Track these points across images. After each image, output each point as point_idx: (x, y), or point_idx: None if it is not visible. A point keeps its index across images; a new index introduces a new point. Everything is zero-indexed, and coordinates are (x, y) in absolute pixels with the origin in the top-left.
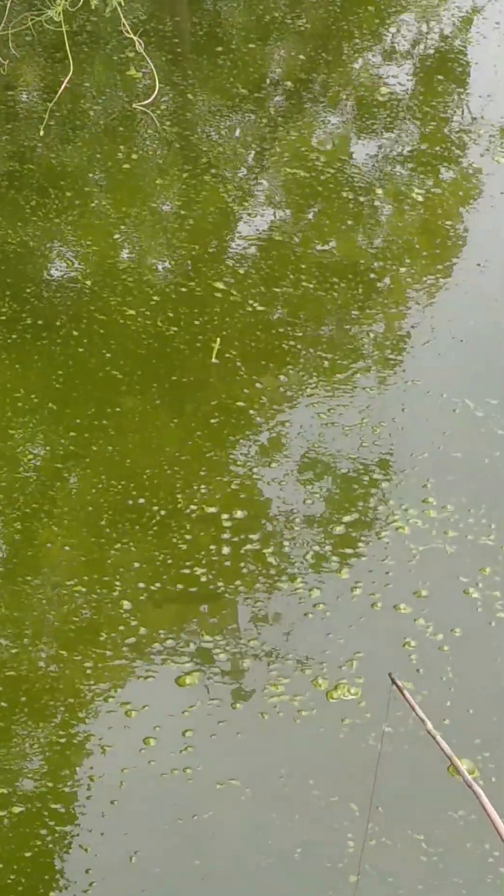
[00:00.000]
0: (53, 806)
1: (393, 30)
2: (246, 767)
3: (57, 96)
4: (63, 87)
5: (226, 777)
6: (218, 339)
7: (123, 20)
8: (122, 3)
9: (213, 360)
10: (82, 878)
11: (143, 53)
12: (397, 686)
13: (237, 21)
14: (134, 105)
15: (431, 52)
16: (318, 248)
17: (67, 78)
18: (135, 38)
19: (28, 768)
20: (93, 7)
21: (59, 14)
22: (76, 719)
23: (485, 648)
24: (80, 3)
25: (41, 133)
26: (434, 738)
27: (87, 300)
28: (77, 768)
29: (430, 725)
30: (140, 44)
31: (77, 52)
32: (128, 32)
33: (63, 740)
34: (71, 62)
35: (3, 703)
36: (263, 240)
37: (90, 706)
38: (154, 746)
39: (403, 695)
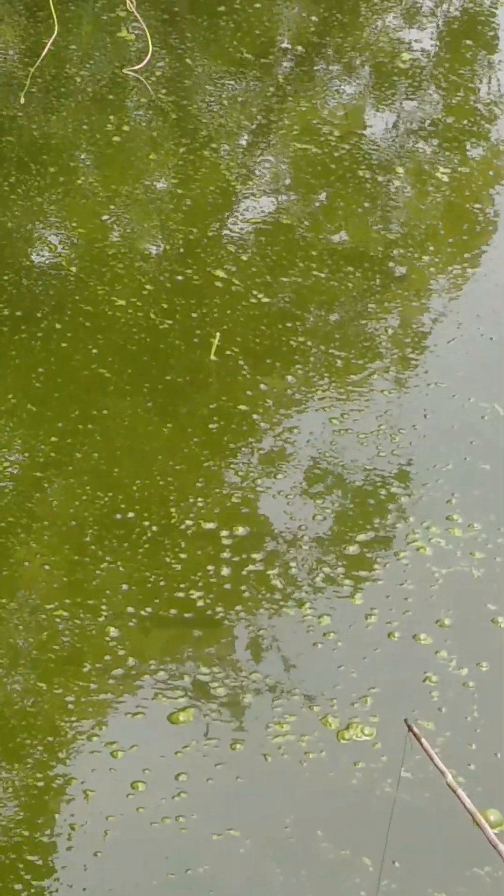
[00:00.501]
0: (29, 857)
1: None
2: (246, 816)
3: (39, 60)
4: (46, 49)
5: (223, 827)
6: (217, 335)
7: None
8: None
9: (212, 357)
10: None
11: (136, 13)
12: (413, 733)
13: None
14: (125, 70)
15: (458, 14)
16: (331, 233)
17: (51, 39)
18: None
19: (1, 815)
20: None
21: None
22: (55, 760)
23: None
24: None
25: (21, 101)
26: (454, 791)
27: (71, 289)
28: (56, 815)
29: (449, 778)
30: (132, 1)
31: (62, 10)
32: None
33: (41, 784)
34: (55, 22)
35: None
36: (269, 223)
37: (71, 745)
38: (143, 791)
39: (421, 743)
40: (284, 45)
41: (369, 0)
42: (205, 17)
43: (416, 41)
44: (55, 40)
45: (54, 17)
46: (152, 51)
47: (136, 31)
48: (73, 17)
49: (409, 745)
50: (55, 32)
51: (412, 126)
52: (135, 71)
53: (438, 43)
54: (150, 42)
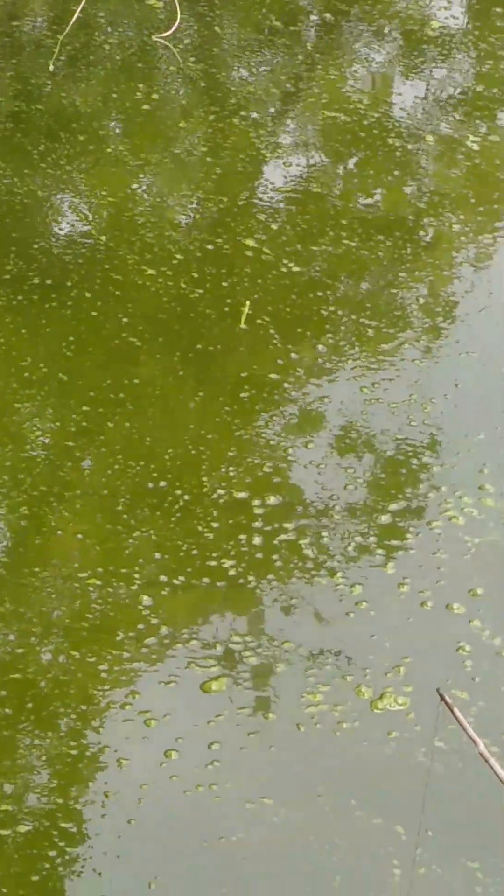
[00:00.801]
0: (63, 825)
1: None
2: (279, 785)
3: (68, 28)
4: (75, 17)
5: (256, 795)
6: (248, 303)
7: None
8: None
9: (243, 325)
10: None
11: None
12: (446, 703)
13: None
14: (154, 38)
15: None
16: (361, 201)
17: (80, 7)
18: None
19: (35, 783)
20: None
21: None
22: (89, 728)
23: None
24: None
25: (50, 69)
26: (487, 761)
27: (101, 258)
28: (90, 784)
29: (482, 748)
30: None
31: None
32: None
33: (74, 752)
34: None
35: (7, 710)
36: (299, 192)
37: (105, 714)
38: (176, 760)
39: (453, 713)
40: (313, 12)
41: None
42: None
43: (444, 8)
44: (84, 7)
45: None
46: (180, 18)
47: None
48: None
49: (442, 715)
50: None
51: (441, 94)
52: (163, 38)
53: (468, 11)
54: (178, 8)
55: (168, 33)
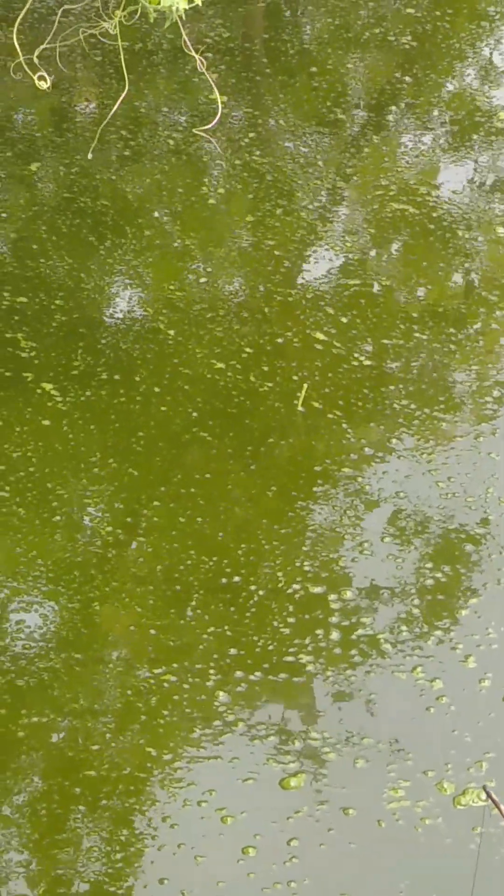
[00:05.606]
0: None
1: None
2: (360, 882)
3: (108, 116)
4: (117, 106)
5: (337, 892)
6: (305, 386)
7: (185, 37)
8: (184, 16)
9: (300, 408)
10: None
11: (207, 74)
12: (493, 800)
13: (323, 35)
14: (206, 133)
15: None
16: (431, 294)
17: (122, 97)
18: (197, 57)
19: (110, 879)
20: (151, 21)
21: (116, 27)
22: (166, 825)
23: None
24: (138, 14)
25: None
26: None
27: (170, 352)
28: (166, 881)
29: None
30: (202, 62)
31: (149, 71)
32: (189, 50)
33: (149, 849)
34: (127, 82)
35: (81, 807)
36: (368, 284)
37: (181, 811)
38: (254, 857)
39: (500, 810)
40: (377, 104)
41: (463, 59)
42: (290, 76)
43: None
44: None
45: (125, 77)
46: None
47: (221, 93)
48: (153, 78)
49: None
50: (126, 90)
51: None
52: (204, 131)
53: None
54: (219, 101)
55: (211, 125)
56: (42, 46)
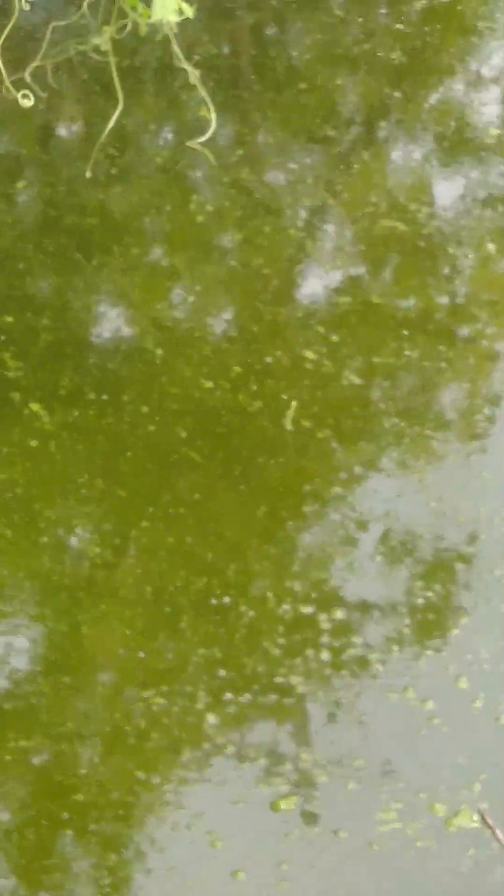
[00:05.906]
0: None
1: (499, 61)
2: None
3: (107, 139)
4: (112, 122)
5: None
6: (293, 404)
7: (177, 49)
8: (175, 29)
9: (289, 427)
10: None
11: (199, 87)
12: (488, 825)
13: (312, 51)
14: (200, 148)
15: None
16: (422, 311)
17: (116, 114)
18: (189, 69)
19: None
20: (143, 35)
21: (108, 42)
22: (155, 850)
23: None
24: (128, 29)
25: (96, 178)
26: None
27: (157, 371)
28: None
29: None
30: (195, 74)
31: (137, 87)
32: (181, 63)
33: (138, 875)
34: (121, 99)
35: (69, 831)
36: (359, 302)
37: (170, 835)
38: (244, 881)
39: (495, 834)
40: (365, 119)
41: (453, 74)
42: (278, 92)
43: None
44: (127, 118)
45: (119, 94)
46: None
47: (212, 110)
48: (139, 94)
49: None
50: (119, 108)
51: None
52: (198, 145)
53: None
54: (213, 115)
55: (203, 138)
56: (34, 64)
